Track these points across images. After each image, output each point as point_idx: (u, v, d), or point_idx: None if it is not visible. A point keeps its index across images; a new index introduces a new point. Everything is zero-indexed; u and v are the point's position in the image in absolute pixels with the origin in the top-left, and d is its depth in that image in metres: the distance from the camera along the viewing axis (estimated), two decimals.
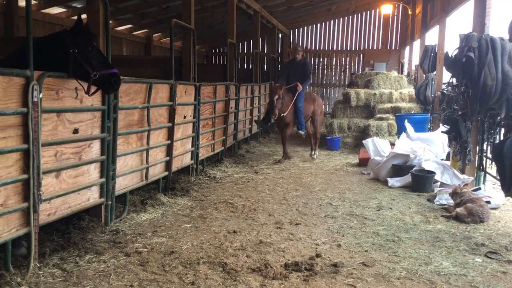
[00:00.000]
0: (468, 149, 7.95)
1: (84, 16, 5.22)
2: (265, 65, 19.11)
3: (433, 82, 12.69)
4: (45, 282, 4.22)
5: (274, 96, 10.30)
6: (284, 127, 11.14)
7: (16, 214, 4.21)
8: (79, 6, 13.24)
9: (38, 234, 4.47)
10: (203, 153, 9.47)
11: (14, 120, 4.10)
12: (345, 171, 10.38)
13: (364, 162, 10.70)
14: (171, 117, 7.44)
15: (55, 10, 13.18)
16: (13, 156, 4.12)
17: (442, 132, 9.17)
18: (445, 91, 9.93)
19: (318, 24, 23.36)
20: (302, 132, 11.24)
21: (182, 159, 8.36)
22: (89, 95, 4.90)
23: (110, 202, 5.79)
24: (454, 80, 8.31)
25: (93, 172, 5.44)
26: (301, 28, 23.56)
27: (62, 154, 4.84)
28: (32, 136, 4.21)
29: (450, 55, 7.78)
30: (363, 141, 10.74)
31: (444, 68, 9.17)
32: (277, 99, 10.26)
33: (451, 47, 7.92)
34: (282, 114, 10.65)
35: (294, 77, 11.12)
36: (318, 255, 5.04)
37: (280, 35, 22.06)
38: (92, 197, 5.48)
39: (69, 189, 4.99)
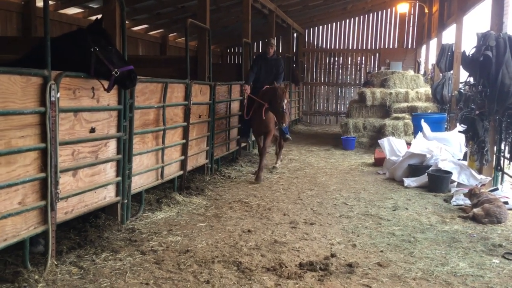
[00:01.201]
0: (486, 149, 7.86)
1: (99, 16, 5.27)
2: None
3: (450, 81, 12.56)
4: (62, 280, 4.27)
5: (283, 101, 8.54)
6: (265, 134, 9.20)
7: (34, 212, 4.26)
8: (95, 6, 13.37)
9: (56, 232, 4.53)
10: (218, 153, 9.50)
11: (32, 119, 4.15)
12: (360, 170, 10.33)
13: (379, 162, 10.63)
14: (186, 116, 7.48)
15: (72, 11, 13.33)
16: (31, 155, 4.17)
17: (459, 131, 9.08)
18: (462, 90, 9.83)
19: (334, 23, 23.24)
20: (289, 137, 10.28)
21: (197, 158, 8.39)
22: (108, 92, 4.97)
23: (126, 201, 5.84)
24: (471, 79, 8.22)
25: (109, 171, 5.49)
26: (316, 27, 23.47)
27: (79, 153, 4.89)
28: (49, 135, 4.26)
29: (467, 54, 7.71)
30: (379, 141, 10.67)
31: (461, 67, 9.10)
32: (286, 103, 8.61)
33: (469, 46, 7.85)
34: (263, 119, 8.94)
35: (265, 75, 9.76)
36: (333, 255, 5.02)
37: (295, 34, 22.02)
38: (108, 195, 5.53)
39: (86, 187, 5.04)
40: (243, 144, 10.91)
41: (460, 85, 11.49)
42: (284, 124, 8.90)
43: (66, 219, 4.80)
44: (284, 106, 8.57)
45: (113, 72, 4.82)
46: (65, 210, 4.75)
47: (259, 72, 9.78)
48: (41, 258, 4.53)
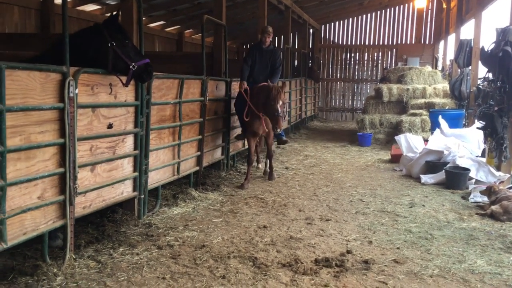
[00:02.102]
0: (504, 145, 7.76)
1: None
2: (296, 61, 19.01)
3: (468, 77, 12.40)
4: (80, 273, 4.33)
5: (278, 103, 7.44)
6: (265, 136, 8.45)
7: (52, 207, 4.33)
8: (113, 3, 13.46)
9: (74, 227, 4.59)
10: (234, 148, 9.52)
11: (51, 115, 4.21)
12: (377, 167, 10.26)
13: (396, 159, 10.55)
14: (202, 112, 7.51)
15: (90, 7, 13.43)
16: (50, 150, 4.23)
17: (478, 128, 8.96)
18: (480, 86, 9.68)
19: (350, 19, 23.07)
20: (286, 139, 9.31)
21: (213, 154, 8.43)
22: (126, 86, 5.04)
23: (143, 196, 5.89)
24: (490, 75, 8.11)
25: (126, 166, 5.55)
26: (332, 23, 23.32)
27: (97, 149, 4.95)
28: (68, 130, 4.32)
29: (486, 50, 7.61)
30: (396, 137, 10.60)
31: (480, 62, 8.98)
32: (281, 106, 7.51)
33: (487, 41, 7.74)
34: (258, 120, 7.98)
35: (261, 69, 8.44)
36: (349, 252, 5.01)
37: (311, 30, 21.91)
38: (125, 190, 5.58)
39: (104, 182, 5.10)
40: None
41: (479, 81, 11.31)
42: (278, 130, 7.82)
43: (84, 213, 4.86)
44: (279, 109, 7.41)
45: (131, 66, 4.86)
46: (83, 205, 4.81)
47: (253, 66, 8.42)
48: (60, 252, 4.59)
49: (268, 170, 8.73)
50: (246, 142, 10.07)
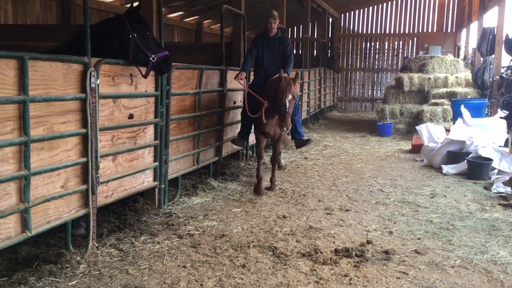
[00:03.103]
0: None
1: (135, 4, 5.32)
2: (315, 50, 18.88)
3: (491, 66, 12.18)
4: (103, 261, 4.40)
5: (286, 96, 6.40)
6: (274, 137, 7.30)
7: (75, 196, 4.40)
8: None
9: (96, 215, 4.66)
10: (253, 139, 9.51)
11: (73, 106, 4.26)
12: (397, 157, 10.17)
13: (417, 149, 10.44)
14: (222, 102, 7.51)
15: None
16: (72, 140, 4.29)
17: (501, 117, 8.82)
18: (504, 75, 9.52)
19: (370, 7, 22.78)
20: (305, 138, 7.98)
21: (232, 145, 8.43)
22: (146, 78, 5.08)
23: (163, 186, 5.94)
24: None
25: (147, 156, 5.59)
26: (352, 12, 23.06)
27: (118, 139, 5.00)
28: (90, 121, 4.37)
29: (510, 37, 7.44)
30: (417, 127, 10.47)
31: (503, 50, 8.81)
32: (290, 100, 6.44)
33: (511, 29, 7.57)
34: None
35: (271, 60, 7.45)
36: (369, 242, 4.99)
37: (330, 19, 21.72)
38: (146, 180, 5.64)
39: (125, 172, 5.15)
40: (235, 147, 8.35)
41: (502, 70, 11.12)
42: (285, 129, 6.51)
43: (106, 202, 4.93)
44: (287, 104, 6.37)
45: (150, 58, 4.89)
46: (105, 194, 4.88)
47: (261, 57, 7.47)
48: (83, 241, 4.67)
49: (264, 189, 7.01)
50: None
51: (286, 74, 6.82)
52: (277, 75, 6.66)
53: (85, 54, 4.35)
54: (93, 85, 4.38)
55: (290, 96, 6.40)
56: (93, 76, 4.38)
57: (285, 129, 6.51)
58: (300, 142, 7.82)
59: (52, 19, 11.45)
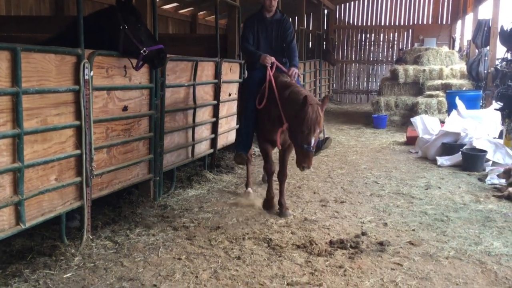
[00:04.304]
0: None
1: None
2: (310, 42, 18.82)
3: (486, 58, 12.19)
4: (98, 254, 4.39)
5: (314, 132, 4.97)
6: (284, 149, 5.84)
7: (69, 188, 4.38)
8: None
9: (91, 208, 4.65)
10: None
11: (66, 98, 4.24)
12: (392, 149, 10.19)
13: (411, 141, 10.46)
14: (217, 94, 7.49)
15: None
16: (66, 132, 4.27)
17: (495, 109, 8.84)
18: (499, 67, 9.53)
19: None
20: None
21: (227, 137, 8.43)
22: (136, 70, 5.03)
23: (158, 178, 5.93)
24: (509, 55, 7.96)
25: (142, 149, 5.58)
26: (347, 3, 22.97)
27: (112, 131, 4.98)
28: (84, 113, 4.34)
29: (505, 29, 7.45)
30: (411, 119, 10.49)
31: (498, 42, 8.81)
32: (316, 135, 5.08)
33: (506, 21, 7.58)
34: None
35: (267, 48, 6.12)
36: (363, 233, 5.01)
37: (325, 11, 21.63)
38: (141, 172, 5.63)
39: (119, 164, 5.14)
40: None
41: (497, 62, 11.13)
42: (306, 169, 5.18)
43: (101, 195, 4.91)
44: (313, 141, 4.99)
45: (141, 51, 4.84)
46: (100, 187, 4.86)
47: (256, 45, 6.11)
48: (77, 233, 4.66)
49: (277, 205, 5.80)
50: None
51: (295, 69, 5.87)
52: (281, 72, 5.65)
53: (79, 46, 4.32)
54: (86, 77, 4.35)
55: (318, 131, 5.03)
56: (87, 68, 4.35)
57: (306, 170, 5.21)
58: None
59: (46, 11, 11.35)
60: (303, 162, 5.03)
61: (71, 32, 4.51)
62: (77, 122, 4.34)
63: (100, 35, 4.80)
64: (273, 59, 5.75)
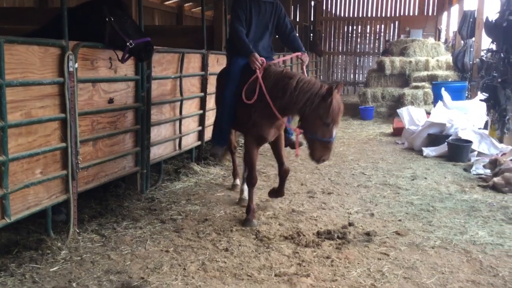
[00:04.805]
0: (507, 117, 7.73)
1: None
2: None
3: (472, 49, 12.27)
4: (85, 247, 4.37)
5: (337, 123, 4.71)
6: (276, 142, 5.36)
7: (55, 182, 4.34)
8: None
9: (77, 201, 4.61)
10: None
11: (51, 90, 4.19)
12: (379, 140, 10.25)
13: (398, 132, 10.53)
14: (204, 87, 7.46)
15: None
16: (51, 125, 4.22)
17: (480, 100, 8.91)
18: (484, 58, 9.59)
19: None
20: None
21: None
22: (122, 63, 4.98)
23: (145, 171, 5.90)
24: (494, 46, 8.02)
25: (128, 141, 5.54)
26: None
27: (98, 124, 4.94)
28: (68, 105, 4.30)
29: (490, 20, 7.50)
30: (398, 110, 10.55)
31: (483, 33, 8.88)
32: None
33: (491, 12, 7.63)
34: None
35: (259, 34, 5.36)
36: (350, 224, 5.04)
37: (312, 2, 21.60)
38: (127, 165, 5.59)
39: (106, 157, 5.10)
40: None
41: (482, 53, 11.20)
42: (326, 161, 4.90)
43: (87, 188, 4.88)
44: (334, 133, 4.72)
45: (127, 44, 4.79)
46: (86, 180, 4.83)
47: (247, 27, 5.25)
48: (64, 227, 4.63)
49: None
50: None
51: (305, 56, 5.41)
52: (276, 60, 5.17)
53: (63, 37, 4.27)
54: (71, 69, 4.30)
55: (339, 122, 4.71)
56: (71, 59, 4.30)
57: (325, 161, 4.84)
58: (291, 142, 5.78)
59: (29, 2, 11.20)
60: (323, 155, 4.72)
61: (56, 24, 4.46)
62: (62, 115, 4.29)
63: (86, 27, 4.75)
64: (263, 60, 4.98)
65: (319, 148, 4.69)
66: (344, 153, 8.81)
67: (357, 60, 23.04)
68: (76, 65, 4.40)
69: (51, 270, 3.91)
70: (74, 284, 3.72)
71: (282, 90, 4.71)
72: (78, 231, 4.60)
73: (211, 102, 7.91)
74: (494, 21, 7.37)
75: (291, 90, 4.63)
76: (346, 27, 22.96)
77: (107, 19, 4.73)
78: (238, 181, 6.33)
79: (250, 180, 5.20)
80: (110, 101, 5.10)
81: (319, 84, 4.65)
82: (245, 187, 5.67)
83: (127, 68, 5.33)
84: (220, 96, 5.39)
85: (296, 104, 4.62)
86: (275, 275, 3.90)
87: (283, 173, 5.28)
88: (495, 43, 7.81)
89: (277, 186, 5.46)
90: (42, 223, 4.54)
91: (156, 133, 6.20)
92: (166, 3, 17.69)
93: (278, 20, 5.40)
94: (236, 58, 5.28)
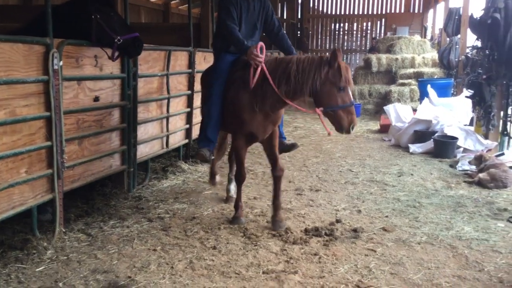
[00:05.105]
0: (492, 114, 7.80)
1: None
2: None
3: (457, 46, 12.39)
4: (71, 246, 4.33)
5: (351, 84, 4.57)
6: (269, 141, 5.08)
7: (40, 181, 4.30)
8: None
9: (63, 200, 4.57)
10: None
11: (35, 88, 4.14)
12: (366, 137, 10.30)
13: (385, 129, 10.59)
14: (191, 84, 7.43)
15: None
16: (36, 123, 4.18)
17: (466, 97, 9.00)
18: (469, 55, 9.68)
19: None
20: (292, 142, 5.67)
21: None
22: (113, 61, 4.91)
23: (132, 169, 5.86)
24: (479, 43, 8.10)
25: (114, 140, 5.50)
26: None
27: (83, 122, 4.89)
28: (53, 103, 4.26)
29: (475, 17, 7.57)
30: (384, 107, 10.61)
31: (468, 30, 8.96)
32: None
33: (477, 9, 7.71)
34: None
35: (249, 32, 5.11)
36: (338, 221, 5.06)
37: (299, 0, 21.63)
38: (114, 164, 5.55)
39: (92, 156, 5.06)
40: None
41: (468, 50, 11.30)
42: (352, 130, 4.61)
43: (73, 187, 4.84)
44: (351, 96, 4.57)
45: (116, 40, 4.75)
46: (72, 179, 4.79)
47: (237, 24, 4.98)
48: (49, 226, 4.59)
49: (273, 213, 4.97)
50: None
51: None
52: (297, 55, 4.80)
53: (47, 35, 4.22)
54: (56, 67, 4.26)
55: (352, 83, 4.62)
56: (56, 57, 4.26)
57: (352, 130, 4.59)
58: (287, 147, 5.56)
59: (13, 0, 11.06)
60: (351, 121, 4.51)
61: (41, 21, 4.40)
62: (47, 113, 4.25)
63: (72, 25, 4.70)
64: (262, 58, 4.68)
65: (344, 117, 4.51)
66: (331, 150, 8.84)
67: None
68: (61, 63, 4.35)
69: (37, 270, 3.88)
70: (60, 284, 3.69)
71: (286, 76, 4.56)
72: (64, 230, 4.56)
73: (198, 100, 7.88)
74: (478, 18, 7.43)
75: (295, 74, 4.51)
76: (333, 24, 23.01)
77: (93, 16, 4.68)
78: (218, 177, 6.02)
79: (239, 177, 5.06)
80: (96, 99, 5.06)
81: (318, 57, 4.61)
82: (232, 186, 5.70)
83: (113, 66, 5.29)
84: (208, 95, 5.08)
85: (305, 84, 4.49)
86: (263, 273, 3.90)
87: (280, 173, 5.00)
88: (480, 40, 7.88)
89: (272, 194, 5.14)
90: (28, 223, 4.50)
91: (143, 131, 6.17)
92: (153, 0, 17.60)
93: (266, 17, 5.21)
94: (224, 54, 5.07)
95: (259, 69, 4.64)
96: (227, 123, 5.03)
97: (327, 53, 4.59)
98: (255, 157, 8.13)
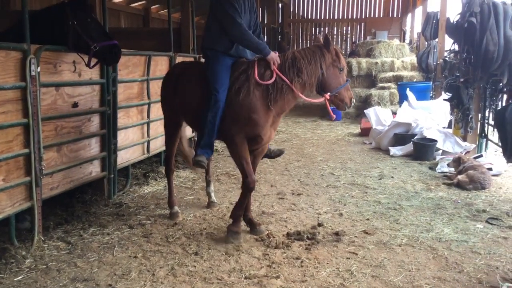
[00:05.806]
0: (470, 116, 7.92)
1: None
2: (265, 36, 18.86)
3: (435, 50, 12.56)
4: (50, 255, 4.27)
5: (343, 63, 4.82)
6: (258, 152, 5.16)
7: (18, 189, 4.23)
8: None
9: (42, 208, 4.50)
10: None
11: (12, 95, 4.08)
12: (347, 141, 10.37)
13: (365, 132, 10.68)
14: None
15: None
16: (13, 131, 4.12)
17: (444, 100, 9.12)
18: (447, 59, 9.83)
19: None
20: (278, 149, 5.66)
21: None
22: (90, 68, 4.84)
23: (112, 176, 5.81)
24: (456, 47, 8.22)
25: (94, 146, 5.45)
26: None
27: (62, 128, 4.84)
28: (31, 110, 4.20)
29: (452, 21, 7.68)
30: (365, 111, 10.71)
31: (446, 34, 9.08)
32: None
33: (454, 13, 7.81)
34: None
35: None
36: (320, 224, 5.08)
37: (280, 4, 21.72)
38: (94, 170, 5.49)
39: (71, 163, 5.00)
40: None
41: (445, 53, 11.47)
42: (347, 107, 4.86)
43: (52, 195, 4.77)
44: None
45: (92, 47, 4.68)
46: (51, 186, 4.72)
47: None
48: (28, 234, 4.51)
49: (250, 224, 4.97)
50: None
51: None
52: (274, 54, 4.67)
53: (24, 41, 4.16)
54: (33, 73, 4.20)
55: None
56: (33, 63, 4.20)
57: (347, 107, 4.86)
58: (271, 153, 5.51)
59: None
60: (351, 96, 4.82)
61: (19, 27, 4.34)
62: (25, 120, 4.19)
63: (49, 31, 4.65)
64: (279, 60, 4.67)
65: (346, 94, 4.78)
66: (313, 154, 8.88)
67: None
68: (39, 69, 4.30)
69: (15, 279, 3.81)
70: None
71: (296, 70, 4.61)
72: (43, 238, 4.49)
73: None
74: (455, 22, 7.55)
75: (305, 66, 4.61)
76: (313, 29, 23.17)
77: (70, 23, 4.63)
78: (176, 208, 5.44)
79: (248, 186, 4.69)
80: (75, 105, 5.01)
81: (314, 46, 4.79)
82: (211, 188, 5.78)
83: (92, 72, 5.24)
84: (213, 102, 4.60)
85: (314, 74, 4.66)
86: (245, 278, 3.89)
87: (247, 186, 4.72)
88: (456, 44, 8.00)
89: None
90: (6, 232, 4.40)
91: (124, 137, 6.12)
92: (133, 5, 17.48)
93: (255, 19, 5.01)
94: (224, 57, 4.75)
95: (275, 68, 4.63)
96: (225, 129, 4.73)
97: (320, 39, 4.81)
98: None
